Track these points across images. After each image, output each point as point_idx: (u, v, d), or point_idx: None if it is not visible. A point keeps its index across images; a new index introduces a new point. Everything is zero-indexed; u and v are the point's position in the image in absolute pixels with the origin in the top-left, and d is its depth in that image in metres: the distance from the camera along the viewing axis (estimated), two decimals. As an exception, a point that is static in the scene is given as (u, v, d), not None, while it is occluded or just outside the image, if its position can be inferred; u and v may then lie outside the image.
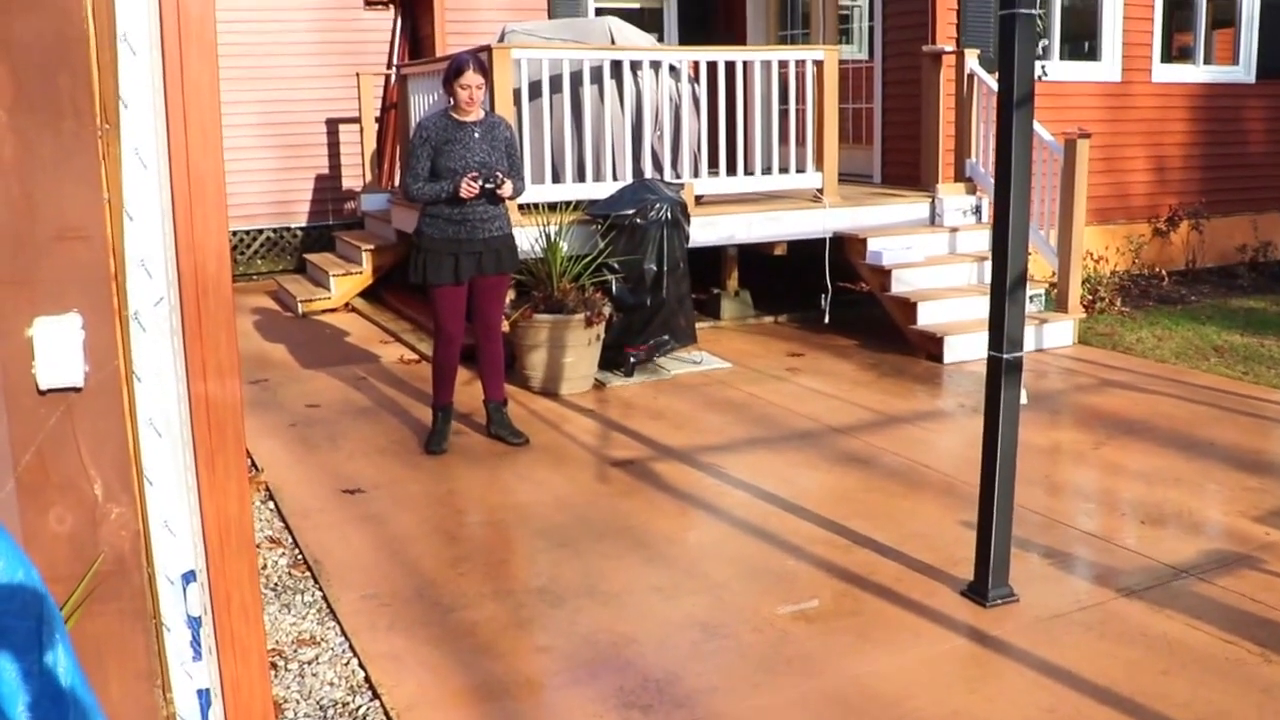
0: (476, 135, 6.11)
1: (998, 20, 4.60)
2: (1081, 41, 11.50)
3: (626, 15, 12.13)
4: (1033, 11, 4.49)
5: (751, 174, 9.16)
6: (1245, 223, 12.50)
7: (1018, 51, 4.43)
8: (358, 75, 11.63)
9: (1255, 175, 12.62)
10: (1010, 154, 4.44)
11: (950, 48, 9.79)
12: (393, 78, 11.92)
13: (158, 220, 2.60)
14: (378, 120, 11.94)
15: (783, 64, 9.23)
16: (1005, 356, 4.28)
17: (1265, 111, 12.62)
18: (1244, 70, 12.41)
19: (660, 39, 12.71)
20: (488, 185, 5.98)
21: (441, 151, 6.04)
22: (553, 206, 8.00)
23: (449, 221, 6.07)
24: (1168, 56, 11.98)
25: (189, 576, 2.63)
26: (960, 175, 9.75)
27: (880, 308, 9.10)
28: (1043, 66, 9.62)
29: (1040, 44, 10.52)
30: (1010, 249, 4.28)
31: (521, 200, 7.31)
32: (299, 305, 10.34)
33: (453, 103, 6.13)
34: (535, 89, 8.41)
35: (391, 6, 12.59)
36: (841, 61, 10.47)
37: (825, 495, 5.59)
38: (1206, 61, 12.30)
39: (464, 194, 5.93)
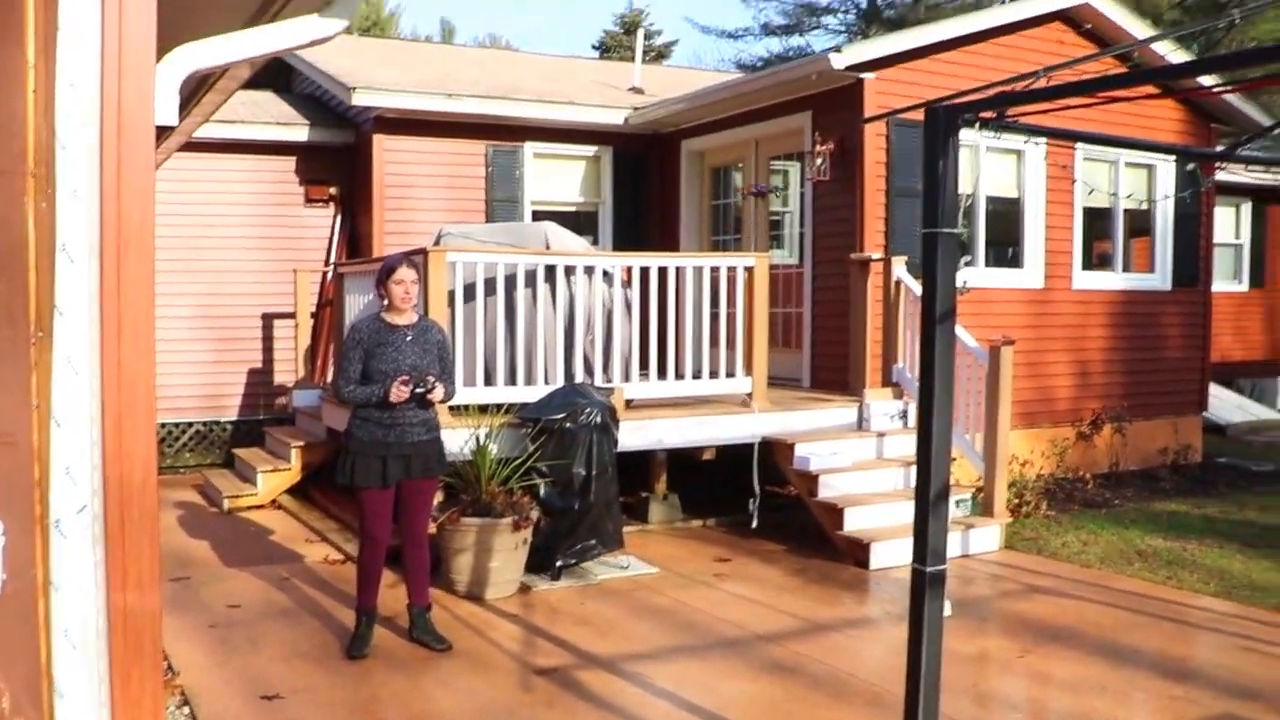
0: (408, 339, 6.20)
1: (921, 237, 4.76)
2: (1006, 248, 11.92)
3: (563, 218, 12.42)
4: (954, 231, 4.67)
5: (682, 378, 9.29)
6: (1166, 426, 12.80)
7: (940, 269, 4.59)
8: (295, 271, 11.76)
9: (1174, 379, 12.99)
10: (933, 374, 4.55)
11: (878, 255, 10.11)
12: (329, 274, 12.07)
13: (85, 427, 2.61)
14: (313, 316, 12.04)
15: (714, 269, 9.46)
16: (928, 570, 4.31)
17: (1182, 318, 13.07)
18: (1160, 278, 12.88)
19: (595, 241, 13.04)
20: (418, 390, 6.04)
21: (374, 354, 6.12)
22: (484, 409, 8.07)
23: (379, 424, 6.10)
24: (1088, 264, 12.43)
25: (94, 796, 2.55)
26: (888, 380, 9.96)
27: (808, 512, 9.14)
28: (964, 282, 9.94)
29: (963, 260, 10.85)
30: (933, 465, 4.36)
31: (453, 402, 7.36)
32: (225, 501, 10.21)
33: (386, 303, 6.24)
34: (470, 291, 8.54)
35: (331, 204, 12.85)
36: (772, 266, 10.76)
37: (750, 705, 5.52)
38: (1125, 269, 12.76)
39: (394, 398, 5.98)
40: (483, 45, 49.96)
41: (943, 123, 4.58)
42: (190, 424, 12.44)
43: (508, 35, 66.01)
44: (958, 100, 4.86)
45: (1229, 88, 11.15)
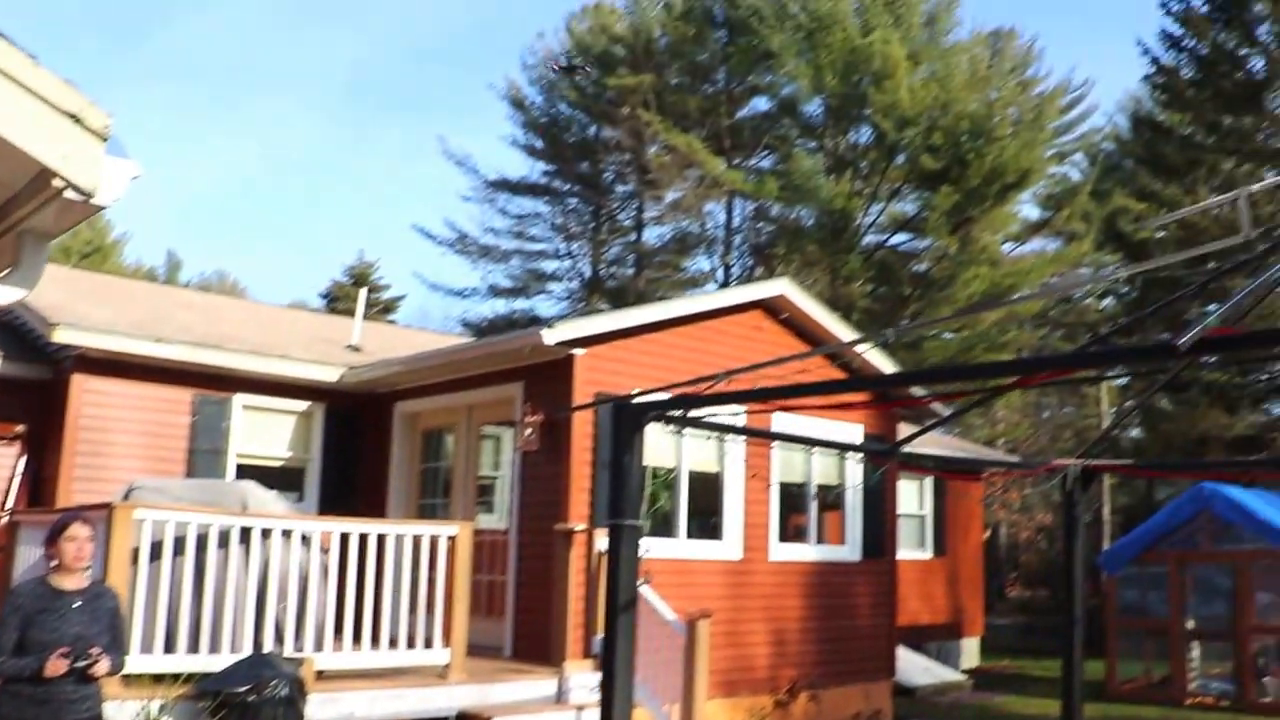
0: (76, 605, 5.82)
1: (607, 528, 4.88)
2: (708, 518, 12.27)
3: (270, 473, 12.14)
4: (637, 523, 4.82)
5: (378, 647, 8.99)
6: (858, 691, 13.20)
7: (622, 559, 4.71)
8: (-33, 516, 11.01)
9: (865, 646, 13.47)
10: (615, 661, 4.61)
11: (582, 526, 10.25)
12: (4, 521, 11.31)
13: None
14: (-18, 567, 11.20)
15: (417, 537, 9.35)
16: None
17: (870, 587, 13.68)
18: (850, 550, 13.50)
19: (301, 499, 12.74)
20: (78, 663, 5.64)
21: (34, 622, 5.70)
22: (160, 678, 7.62)
23: (30, 700, 5.64)
24: (784, 536, 12.90)
25: None
26: (589, 652, 9.97)
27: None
28: (646, 575, 10.16)
29: (641, 545, 10.96)
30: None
31: (127, 670, 6.93)
32: None
33: (55, 564, 5.86)
34: (157, 550, 8.17)
35: (16, 443, 12.13)
36: (480, 532, 10.76)
37: None
38: (819, 541, 13.33)
39: (49, 673, 5.57)
40: (208, 282, 49.36)
41: (628, 420, 4.80)
42: None
43: (236, 273, 65.55)
44: (645, 397, 5.10)
45: (901, 399, 12.09)
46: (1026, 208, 32.70)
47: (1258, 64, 25.85)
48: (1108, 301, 33.80)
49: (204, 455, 12.28)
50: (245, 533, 8.52)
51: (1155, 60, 27.01)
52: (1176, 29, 26.57)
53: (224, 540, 8.43)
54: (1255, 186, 8.54)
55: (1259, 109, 25.68)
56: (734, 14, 30.76)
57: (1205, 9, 26.39)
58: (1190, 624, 16.39)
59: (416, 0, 79.30)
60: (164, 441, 12.12)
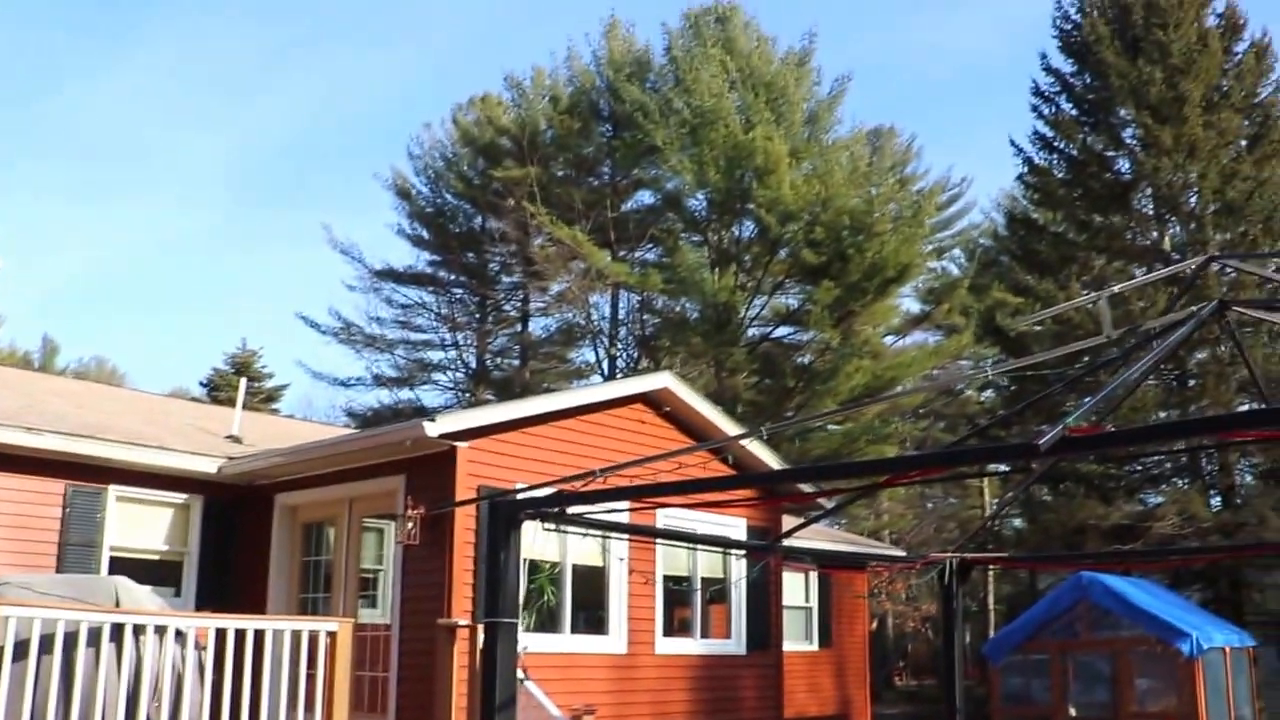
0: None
1: (484, 627, 4.88)
2: (594, 611, 12.24)
3: (146, 566, 11.85)
4: (514, 621, 4.83)
5: (255, 745, 8.80)
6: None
7: (499, 658, 4.71)
8: None
9: (747, 739, 13.49)
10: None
11: (465, 621, 10.14)
12: None
13: None
14: None
15: (296, 632, 9.16)
16: None
17: (757, 679, 13.74)
18: (736, 642, 13.55)
19: (179, 593, 12.43)
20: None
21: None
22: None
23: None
24: (670, 630, 12.92)
25: None
26: (471, 749, 9.82)
27: None
28: (524, 670, 10.09)
29: (520, 641, 10.91)
30: None
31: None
32: None
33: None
34: (22, 649, 7.89)
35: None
36: (361, 626, 10.58)
37: None
38: (704, 635, 13.37)
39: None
40: (86, 368, 48.10)
41: (504, 517, 4.83)
42: None
43: (115, 359, 63.86)
44: (525, 493, 5.14)
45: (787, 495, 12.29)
46: (907, 301, 33.53)
47: (1124, 166, 27.01)
48: (988, 393, 34.62)
49: (76, 549, 11.92)
50: (117, 630, 8.26)
51: (1028, 160, 28.04)
52: (1048, 131, 27.69)
53: (94, 638, 8.16)
54: (1116, 288, 8.98)
55: (1126, 209, 26.76)
56: (619, 109, 31.23)
57: (1074, 112, 27.57)
58: (1072, 711, 16.64)
59: (300, 89, 79.09)
60: (33, 534, 11.74)
